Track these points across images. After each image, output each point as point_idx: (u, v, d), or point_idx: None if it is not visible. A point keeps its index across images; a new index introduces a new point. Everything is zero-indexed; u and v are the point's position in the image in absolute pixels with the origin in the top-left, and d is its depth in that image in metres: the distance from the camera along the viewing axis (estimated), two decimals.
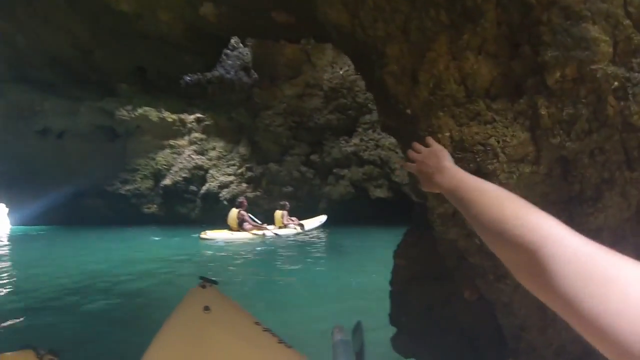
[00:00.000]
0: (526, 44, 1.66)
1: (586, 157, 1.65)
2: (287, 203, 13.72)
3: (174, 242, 12.83)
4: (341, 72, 14.26)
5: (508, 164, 1.65)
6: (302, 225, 13.39)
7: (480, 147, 1.67)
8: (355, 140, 14.17)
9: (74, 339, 4.47)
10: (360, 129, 14.15)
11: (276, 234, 12.75)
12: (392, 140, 13.53)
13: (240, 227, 12.78)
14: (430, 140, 1.47)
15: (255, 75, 13.04)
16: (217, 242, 12.01)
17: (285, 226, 13.35)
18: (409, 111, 2.00)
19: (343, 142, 14.31)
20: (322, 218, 14.07)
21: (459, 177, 1.08)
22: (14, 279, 8.21)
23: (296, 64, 14.68)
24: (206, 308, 2.08)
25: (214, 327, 2.00)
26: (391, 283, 3.20)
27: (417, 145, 1.43)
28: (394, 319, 2.96)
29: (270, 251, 10.99)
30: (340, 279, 7.84)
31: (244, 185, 15.43)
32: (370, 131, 13.97)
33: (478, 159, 1.67)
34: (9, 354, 2.09)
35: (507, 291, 2.08)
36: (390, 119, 2.61)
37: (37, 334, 4.53)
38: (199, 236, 12.24)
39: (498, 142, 1.64)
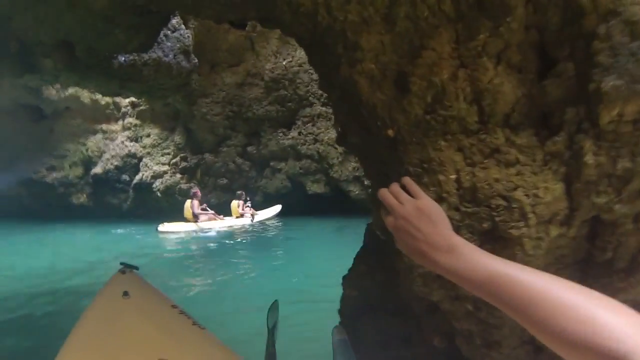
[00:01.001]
0: (568, 61, 1.14)
1: (630, 222, 1.16)
2: (243, 192, 13.13)
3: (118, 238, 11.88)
4: (284, 63, 13.52)
5: (537, 227, 1.13)
6: (253, 216, 12.87)
7: (501, 202, 1.13)
8: (293, 133, 13.52)
9: None
10: (299, 122, 13.51)
11: (215, 229, 12.15)
12: (332, 135, 13.05)
13: (195, 218, 12.15)
14: (411, 184, 0.93)
15: (195, 60, 12.01)
16: (176, 234, 11.51)
17: (242, 216, 12.80)
18: (390, 132, 1.44)
19: (281, 134, 13.63)
20: (277, 208, 13.47)
21: (486, 264, 0.75)
22: None
23: (238, 52, 13.83)
24: (125, 293, 2.03)
25: (131, 311, 1.95)
26: (340, 312, 2.68)
27: (395, 189, 0.92)
28: None
29: (227, 245, 10.51)
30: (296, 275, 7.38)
31: (178, 175, 14.38)
32: (309, 125, 13.37)
33: (497, 218, 1.11)
34: None
35: (498, 358, 1.62)
36: (355, 134, 2.00)
37: None
38: (156, 229, 11.66)
39: (527, 195, 1.12)
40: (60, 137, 16.83)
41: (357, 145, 1.89)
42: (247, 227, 12.44)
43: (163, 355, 1.60)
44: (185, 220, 12.21)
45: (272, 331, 2.19)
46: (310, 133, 13.30)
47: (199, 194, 12.48)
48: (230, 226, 12.35)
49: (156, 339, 1.77)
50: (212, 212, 12.56)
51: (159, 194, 14.50)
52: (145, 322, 1.89)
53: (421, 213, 0.85)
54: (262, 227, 12.55)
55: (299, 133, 13.43)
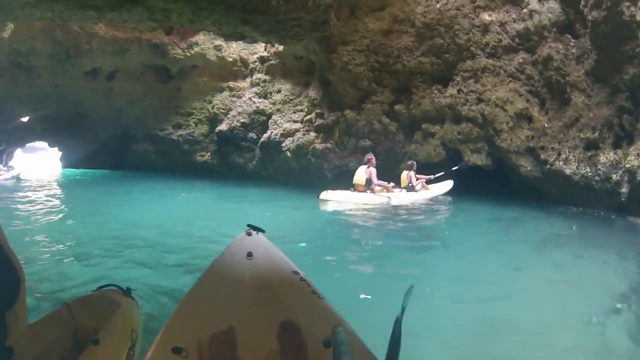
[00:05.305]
0: None
1: None
2: (414, 162, 10.34)
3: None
4: (438, 6, 10.31)
5: None
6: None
7: None
8: (451, 90, 10.23)
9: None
10: (458, 78, 10.20)
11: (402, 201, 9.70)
12: (500, 94, 9.59)
13: (368, 187, 9.61)
14: None
15: None
16: (340, 204, 9.09)
17: (413, 188, 10.11)
18: None
19: (436, 91, 10.41)
20: (449, 184, 10.58)
21: None
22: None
23: None
24: (249, 254, 1.99)
25: (253, 272, 1.88)
26: None
27: None
28: None
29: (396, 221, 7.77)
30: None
31: (312, 134, 11.61)
32: (471, 81, 10.02)
33: None
34: (97, 292, 2.20)
35: None
36: None
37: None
38: (317, 197, 9.29)
39: None
40: (187, 95, 15.38)
41: None
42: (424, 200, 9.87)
43: (279, 318, 1.46)
44: (354, 188, 9.72)
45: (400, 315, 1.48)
46: (472, 91, 9.99)
47: (374, 160, 9.79)
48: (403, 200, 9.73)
49: (276, 301, 1.66)
50: (385, 182, 9.90)
51: (288, 154, 11.90)
52: (266, 284, 1.77)
53: None
54: (439, 205, 9.67)
55: (459, 91, 10.15)
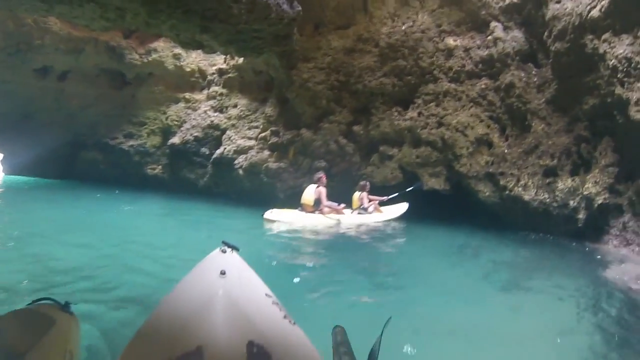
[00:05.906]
0: None
1: None
2: (367, 183, 9.78)
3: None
4: (403, 28, 10.02)
5: None
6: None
7: None
8: (412, 113, 9.84)
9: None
10: (420, 101, 9.84)
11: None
12: (461, 118, 9.31)
13: (316, 208, 9.00)
14: None
15: (299, 8, 8.53)
16: (285, 225, 8.33)
17: (365, 210, 9.58)
18: None
19: (396, 113, 10.00)
20: (404, 207, 9.99)
21: None
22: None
23: (348, 11, 10.46)
24: (222, 272, 1.75)
25: (226, 292, 1.66)
26: None
27: None
28: None
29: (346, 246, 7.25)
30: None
31: (266, 152, 10.97)
32: (432, 104, 9.68)
33: None
34: (30, 306, 2.03)
35: None
36: None
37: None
38: (262, 216, 8.58)
39: None
40: (141, 104, 14.46)
41: None
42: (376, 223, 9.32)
43: (249, 341, 1.38)
44: (302, 208, 9.12)
45: (379, 337, 1.54)
46: (433, 114, 9.63)
47: (325, 179, 9.21)
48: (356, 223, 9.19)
49: (245, 325, 1.50)
50: (336, 203, 9.33)
51: (240, 172, 11.18)
52: (237, 306, 1.58)
53: None
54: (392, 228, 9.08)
55: (419, 114, 9.77)
